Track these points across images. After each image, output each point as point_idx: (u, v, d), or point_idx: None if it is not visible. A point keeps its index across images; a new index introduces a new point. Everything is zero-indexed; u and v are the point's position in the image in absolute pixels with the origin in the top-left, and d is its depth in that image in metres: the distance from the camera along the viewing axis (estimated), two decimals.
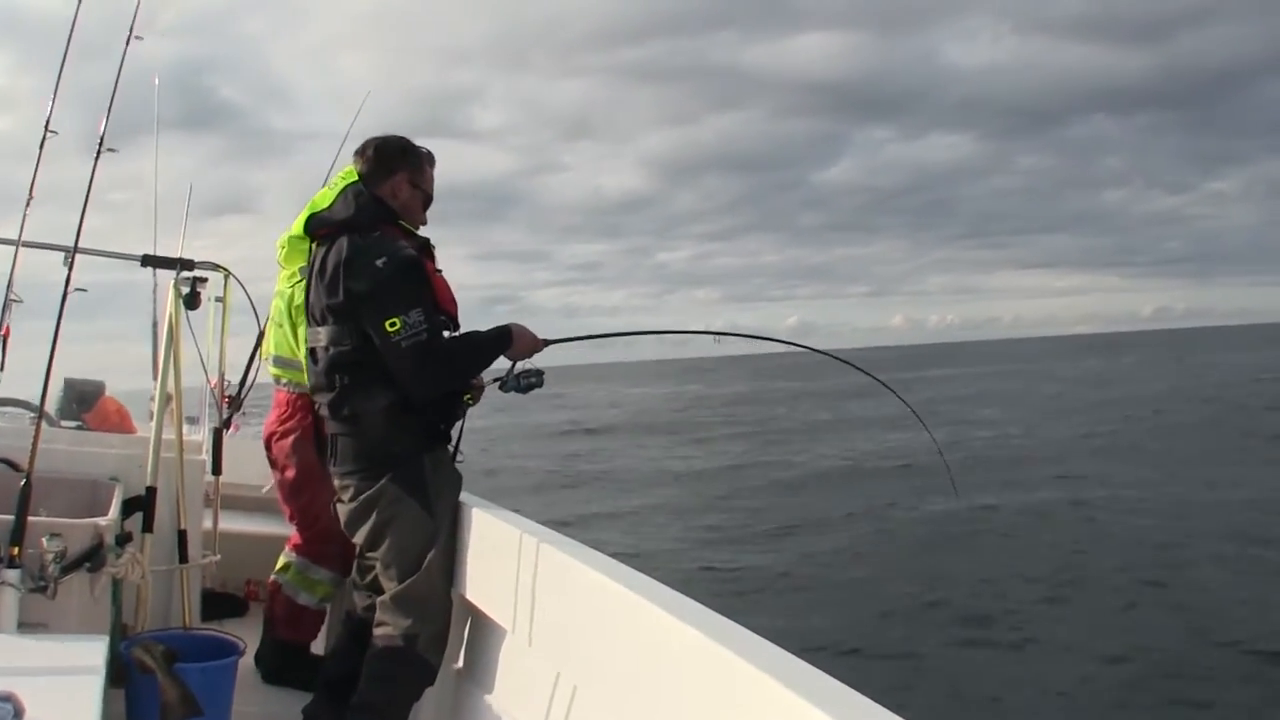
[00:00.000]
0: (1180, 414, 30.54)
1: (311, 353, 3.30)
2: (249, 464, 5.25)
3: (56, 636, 2.88)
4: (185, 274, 4.24)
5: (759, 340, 4.87)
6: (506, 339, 3.34)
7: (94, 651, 2.60)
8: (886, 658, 9.13)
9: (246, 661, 3.73)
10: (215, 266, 4.40)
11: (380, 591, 3.28)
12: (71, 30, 3.97)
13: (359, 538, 3.28)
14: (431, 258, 3.32)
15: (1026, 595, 10.83)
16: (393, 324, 3.00)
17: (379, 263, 3.06)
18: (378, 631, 3.22)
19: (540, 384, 3.49)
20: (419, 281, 3.12)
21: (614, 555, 2.58)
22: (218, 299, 4.71)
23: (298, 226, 3.39)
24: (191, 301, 4.24)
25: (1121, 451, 22.74)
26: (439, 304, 3.20)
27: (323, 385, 3.24)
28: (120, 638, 3.69)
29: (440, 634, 3.22)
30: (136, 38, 3.97)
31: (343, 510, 3.31)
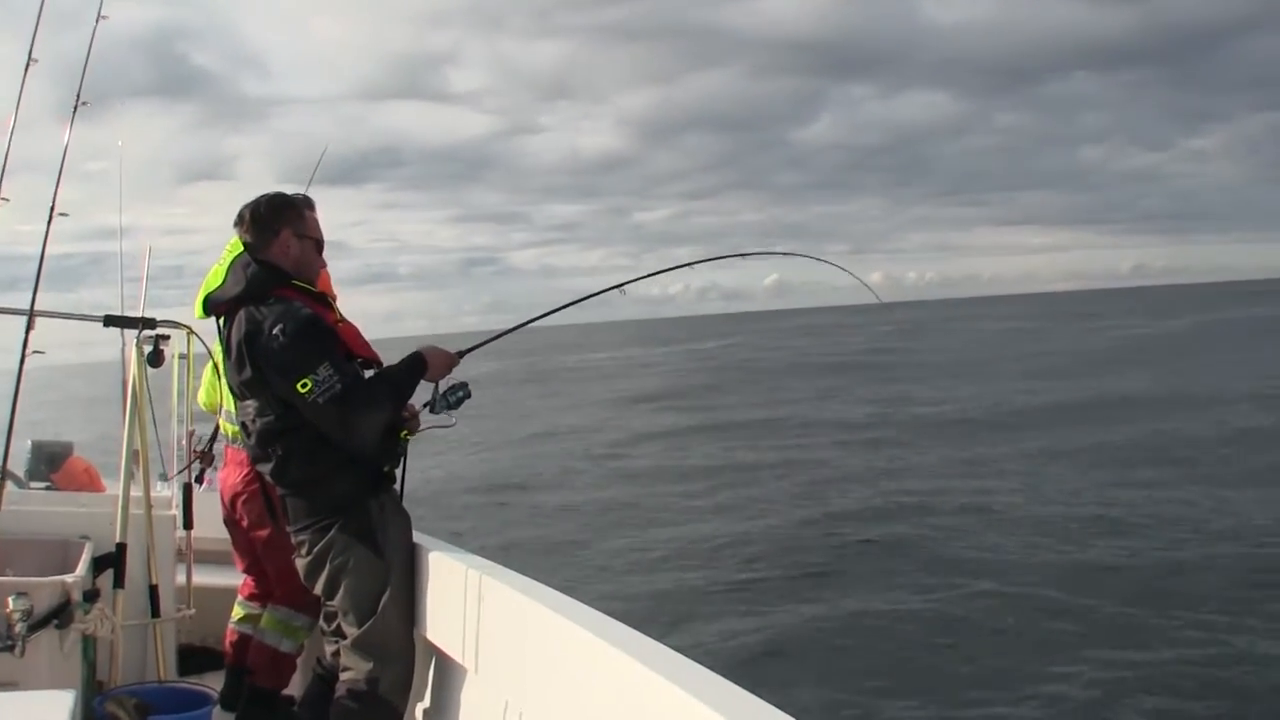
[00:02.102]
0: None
1: (243, 426, 3.35)
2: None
3: (23, 694, 2.90)
4: (148, 332, 4.29)
5: (686, 267, 4.46)
6: (420, 365, 3.36)
7: (60, 704, 2.62)
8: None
9: (221, 712, 3.76)
10: (177, 325, 4.45)
11: (344, 636, 3.32)
12: (40, 12, 4.04)
13: (317, 589, 3.32)
14: (331, 309, 3.36)
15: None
16: (304, 385, 3.04)
17: (275, 330, 3.10)
18: (342, 677, 3.26)
19: (468, 396, 3.49)
20: (320, 337, 3.15)
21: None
22: (182, 355, 4.76)
23: (198, 310, 3.40)
24: (155, 360, 4.28)
25: None
26: (351, 352, 3.26)
27: (260, 457, 3.30)
28: (94, 694, 3.72)
29: (403, 676, 3.25)
30: (103, 17, 4.05)
31: (300, 564, 3.36)
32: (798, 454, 22.26)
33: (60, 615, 3.23)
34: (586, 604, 2.46)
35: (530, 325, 4.10)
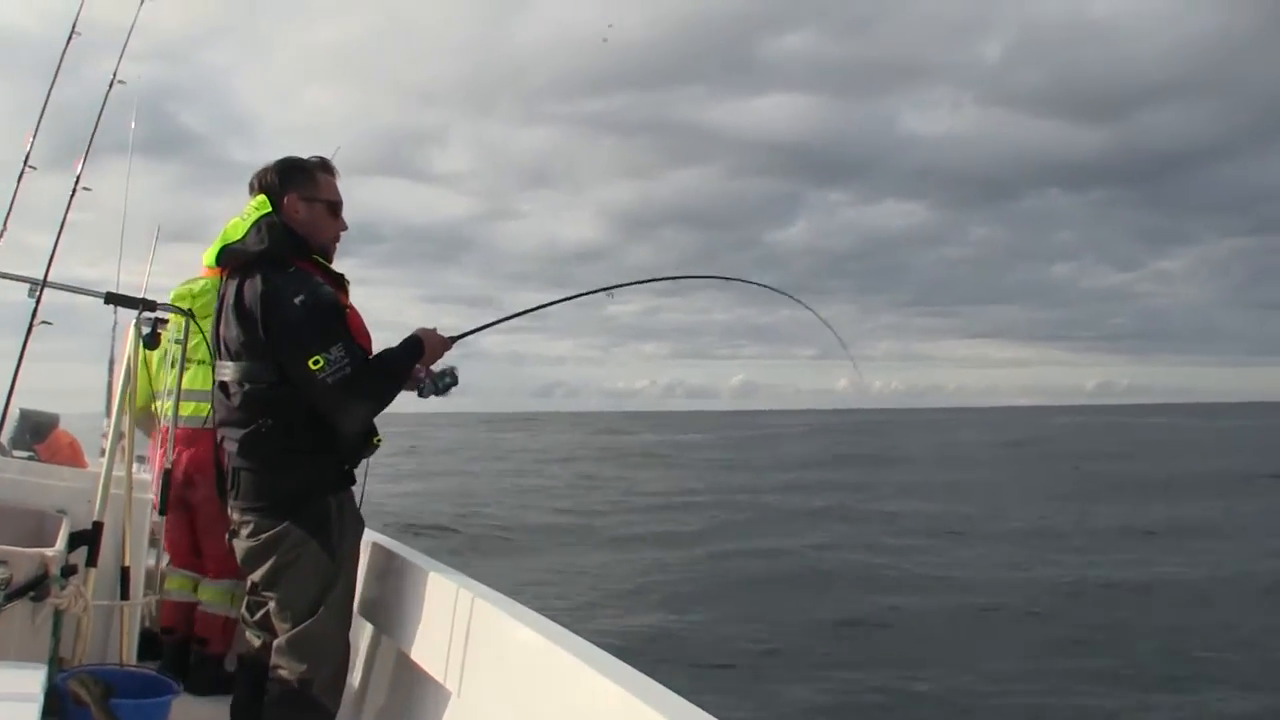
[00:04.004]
0: None
1: (222, 386, 3.25)
2: None
3: None
4: (147, 314, 4.31)
5: (659, 280, 4.42)
6: (418, 349, 3.34)
7: (32, 680, 2.63)
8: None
9: (180, 701, 3.75)
10: (179, 309, 4.47)
11: (270, 631, 3.29)
12: (56, 74, 4.10)
13: (256, 576, 3.25)
14: (345, 292, 3.32)
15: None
16: (316, 362, 3.00)
17: (297, 300, 3.05)
18: (273, 675, 3.20)
19: (456, 383, 3.48)
20: (338, 318, 3.13)
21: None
22: (177, 341, 4.76)
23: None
24: (151, 342, 4.29)
25: None
26: (355, 339, 3.20)
27: (235, 421, 3.19)
28: (56, 670, 3.71)
29: (337, 676, 3.22)
30: (120, 82, 4.08)
31: (240, 545, 3.26)
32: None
33: (37, 588, 3.22)
34: (576, 632, 2.49)
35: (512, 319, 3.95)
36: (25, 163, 4.06)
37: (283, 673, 3.17)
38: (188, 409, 4.66)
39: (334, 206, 3.35)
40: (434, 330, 3.42)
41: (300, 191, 3.27)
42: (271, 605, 3.25)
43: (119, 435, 4.29)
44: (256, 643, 3.38)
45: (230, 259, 3.25)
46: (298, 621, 3.17)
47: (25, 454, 5.44)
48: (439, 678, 3.04)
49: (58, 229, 3.65)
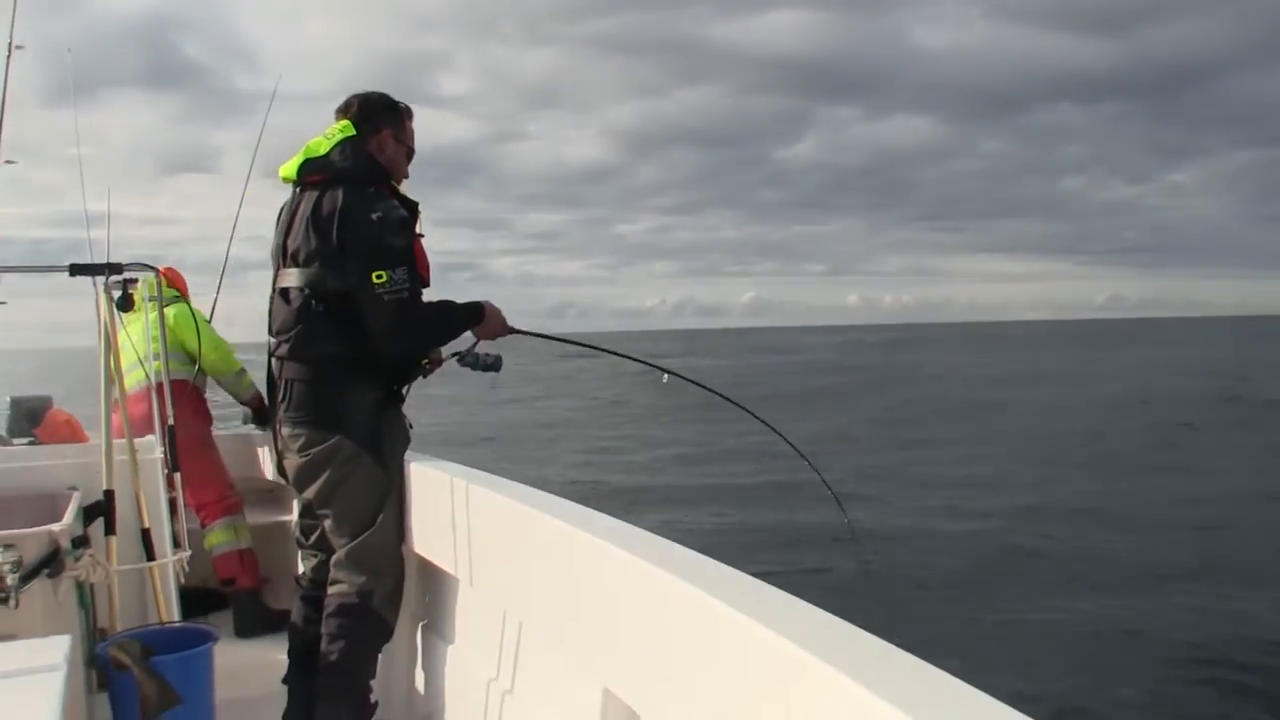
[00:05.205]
0: None
1: (283, 293, 3.31)
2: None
3: (18, 643, 2.90)
4: (115, 278, 4.24)
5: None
6: (479, 314, 3.40)
7: (55, 649, 2.62)
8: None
9: (224, 648, 3.77)
10: (145, 267, 4.40)
11: (326, 550, 3.32)
12: None
13: (309, 493, 3.30)
14: (417, 220, 3.38)
15: None
16: (379, 276, 3.07)
17: (374, 216, 3.14)
18: (332, 590, 3.25)
19: (498, 368, 3.49)
20: (408, 241, 3.20)
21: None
22: (151, 298, 4.70)
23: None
24: (124, 304, 4.24)
25: None
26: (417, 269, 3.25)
27: (290, 324, 3.26)
28: (96, 641, 3.73)
29: (395, 590, 3.25)
30: (18, 47, 3.99)
31: (291, 463, 3.31)
32: None
33: (51, 564, 3.21)
34: (580, 502, 2.43)
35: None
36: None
37: (342, 585, 3.23)
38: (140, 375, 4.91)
39: (412, 153, 3.54)
40: (500, 312, 3.47)
41: (394, 130, 3.43)
42: (328, 522, 3.29)
43: (111, 403, 4.25)
44: (314, 560, 3.45)
45: (313, 171, 3.32)
46: (356, 534, 3.22)
47: (25, 440, 5.45)
48: (449, 569, 3.03)
49: None
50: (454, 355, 3.52)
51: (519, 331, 3.57)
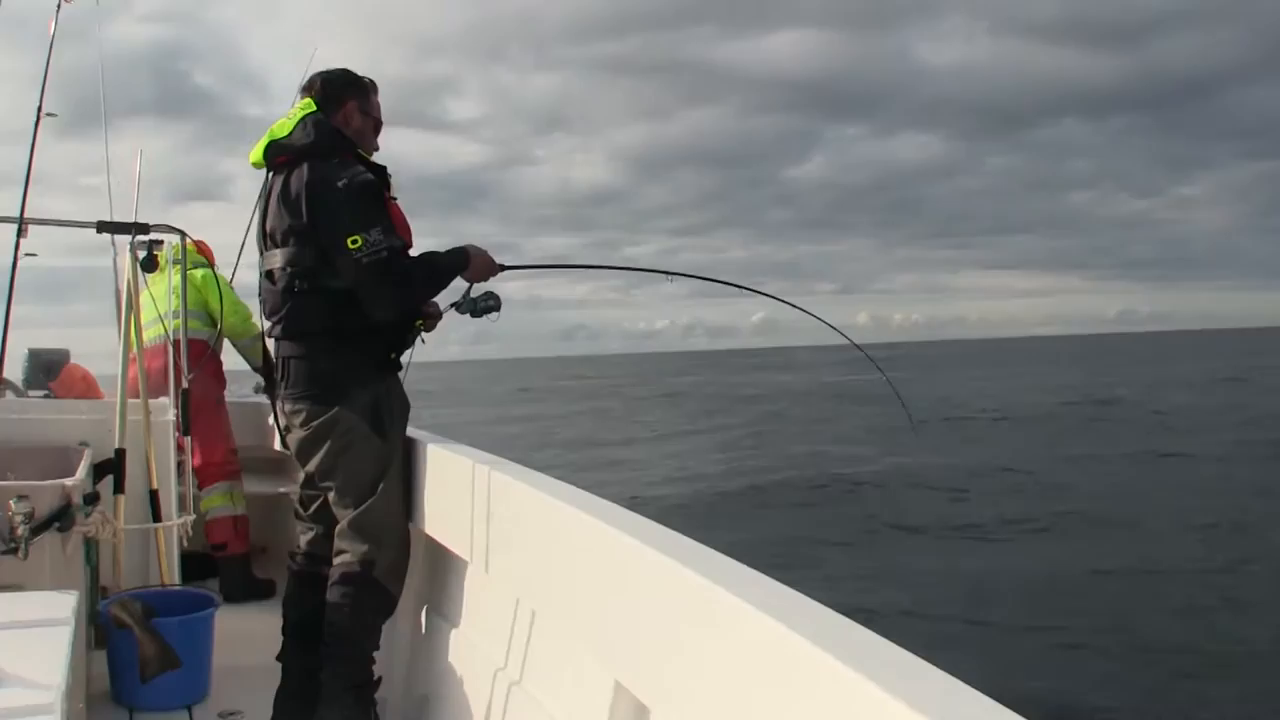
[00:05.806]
0: None
1: (269, 274, 3.32)
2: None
3: (27, 594, 2.91)
4: (141, 238, 4.27)
5: (711, 282, 4.56)
6: (463, 260, 3.37)
7: (63, 604, 2.63)
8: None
9: (224, 615, 3.79)
10: (171, 229, 4.42)
11: (323, 522, 3.33)
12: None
13: (311, 465, 3.29)
14: (387, 185, 3.36)
15: None
16: (354, 240, 3.05)
17: (340, 184, 3.12)
18: (336, 561, 3.24)
19: (497, 308, 3.47)
20: (377, 200, 3.18)
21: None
22: (176, 262, 4.72)
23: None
24: (149, 264, 4.26)
25: None
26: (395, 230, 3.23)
27: (279, 305, 3.26)
28: (98, 598, 3.75)
29: (398, 562, 3.25)
30: (49, 115, 4.17)
31: (294, 438, 3.32)
32: None
33: (62, 518, 3.22)
34: (595, 494, 2.43)
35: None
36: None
37: (345, 555, 3.23)
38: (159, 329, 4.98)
39: (379, 125, 3.51)
40: (484, 251, 3.45)
41: (359, 102, 3.43)
42: (331, 494, 3.29)
43: (128, 362, 4.28)
44: (310, 534, 3.43)
45: (277, 153, 3.32)
46: (359, 504, 3.22)
47: (41, 393, 5.47)
48: (464, 554, 3.03)
49: (28, 158, 3.59)
50: (451, 305, 3.50)
51: (509, 267, 3.56)
